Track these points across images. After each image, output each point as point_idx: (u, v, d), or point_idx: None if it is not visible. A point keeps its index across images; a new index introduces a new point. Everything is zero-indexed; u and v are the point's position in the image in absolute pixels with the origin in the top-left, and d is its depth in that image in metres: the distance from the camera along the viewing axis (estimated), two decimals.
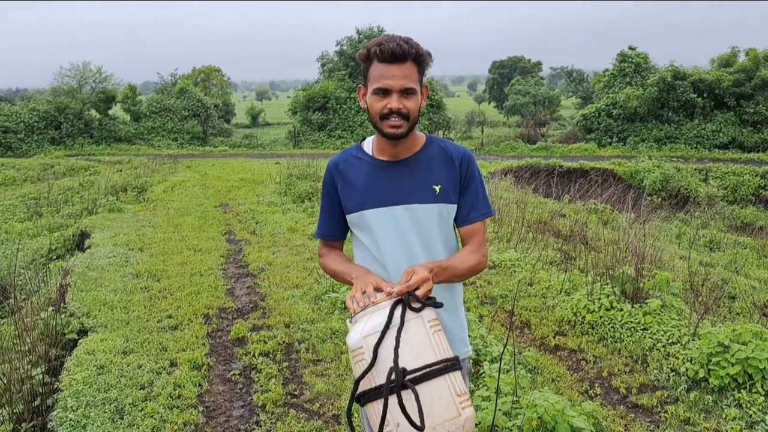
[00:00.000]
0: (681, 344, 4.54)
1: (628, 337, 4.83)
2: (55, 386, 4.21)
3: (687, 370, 4.16)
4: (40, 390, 4.11)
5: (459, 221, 2.06)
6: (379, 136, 1.97)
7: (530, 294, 6.06)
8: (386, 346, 1.66)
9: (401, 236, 1.98)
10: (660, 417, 3.80)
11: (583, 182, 15.89)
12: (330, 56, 33.15)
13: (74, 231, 9.98)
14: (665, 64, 28.03)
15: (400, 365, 1.64)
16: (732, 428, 3.56)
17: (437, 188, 1.99)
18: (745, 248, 11.12)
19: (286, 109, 34.46)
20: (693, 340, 4.54)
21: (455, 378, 1.73)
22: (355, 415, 3.79)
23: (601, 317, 5.12)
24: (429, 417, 1.62)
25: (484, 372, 4.05)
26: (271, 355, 4.80)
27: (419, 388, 1.63)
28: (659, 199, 16.60)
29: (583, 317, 5.20)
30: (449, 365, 1.73)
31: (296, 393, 4.19)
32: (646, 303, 5.08)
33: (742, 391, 3.85)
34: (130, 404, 3.95)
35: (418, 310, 1.75)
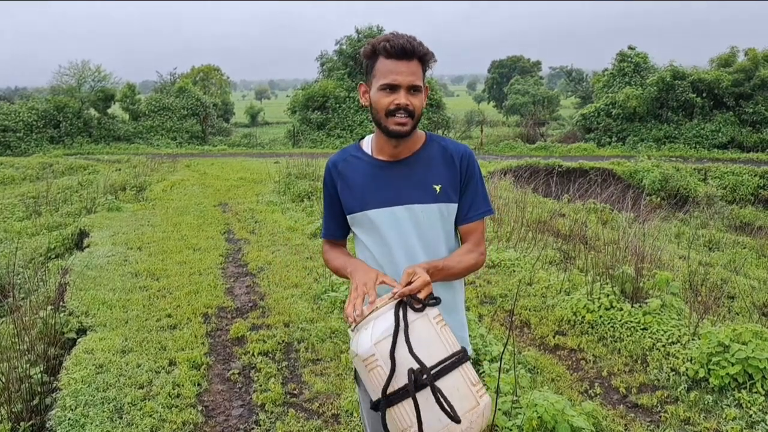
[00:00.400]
0: (681, 344, 4.53)
1: (627, 336, 4.83)
2: (54, 385, 4.20)
3: (687, 369, 4.16)
4: (39, 389, 4.10)
5: (458, 220, 2.05)
6: (381, 134, 1.96)
7: (530, 293, 6.06)
8: (399, 349, 1.66)
9: (402, 236, 1.97)
10: (660, 417, 3.80)
11: (583, 182, 15.89)
12: (329, 55, 33.13)
13: (73, 230, 9.96)
14: (664, 64, 28.04)
15: (416, 366, 1.64)
16: (732, 428, 3.55)
17: (437, 188, 1.98)
18: (744, 248, 11.12)
19: (285, 109, 34.44)
20: (693, 339, 4.54)
21: (468, 369, 1.75)
22: (354, 414, 3.79)
23: (600, 317, 5.11)
24: (455, 406, 1.64)
25: (483, 371, 4.04)
26: (270, 355, 4.79)
27: (438, 384, 1.65)
28: (658, 198, 16.60)
29: (583, 317, 5.20)
30: (461, 357, 1.74)
31: (295, 392, 4.18)
32: (646, 303, 5.07)
33: (742, 390, 3.84)
34: (128, 403, 3.94)
35: (420, 311, 1.75)
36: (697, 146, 24.84)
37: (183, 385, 4.20)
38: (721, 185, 18.27)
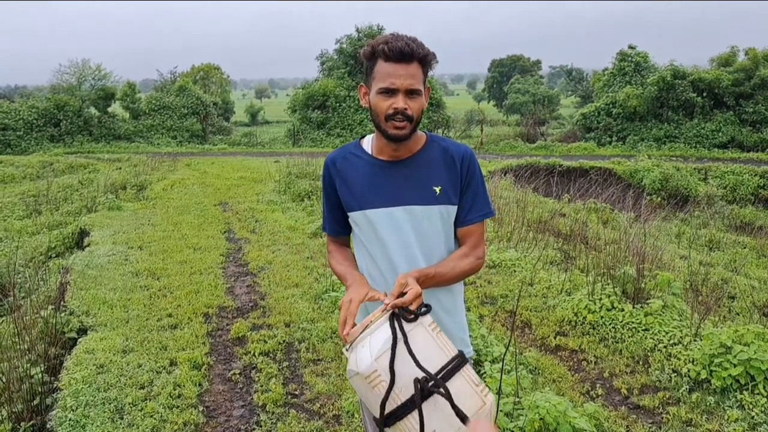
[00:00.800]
0: (683, 345, 4.53)
1: (629, 337, 4.82)
2: (55, 385, 4.19)
3: (689, 371, 4.15)
4: (40, 389, 4.09)
5: (457, 221, 2.03)
6: (381, 136, 1.94)
7: (531, 294, 6.05)
8: (398, 361, 1.65)
9: (401, 238, 1.96)
10: (662, 418, 3.80)
11: (583, 181, 15.89)
12: (329, 54, 33.10)
13: (73, 229, 9.95)
14: (665, 64, 28.02)
15: (420, 376, 1.64)
16: (734, 430, 3.55)
17: (438, 189, 1.96)
18: (745, 248, 11.12)
19: (285, 108, 34.41)
20: (694, 340, 4.53)
21: (469, 370, 1.74)
22: (355, 416, 3.78)
23: (602, 317, 5.11)
24: (463, 409, 1.64)
25: (485, 372, 4.03)
26: (271, 355, 4.78)
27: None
28: (659, 198, 16.59)
29: (584, 317, 5.19)
30: (460, 360, 1.73)
31: (296, 393, 4.18)
32: (648, 303, 5.07)
33: (744, 392, 3.84)
34: (129, 404, 3.93)
35: (413, 321, 1.75)
36: (698, 146, 24.83)
37: (184, 386, 4.19)
38: (721, 185, 18.26)
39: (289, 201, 12.02)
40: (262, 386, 4.26)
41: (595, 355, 4.69)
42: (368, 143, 2.05)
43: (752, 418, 3.65)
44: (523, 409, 3.45)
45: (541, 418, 3.23)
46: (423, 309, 1.78)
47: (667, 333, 4.71)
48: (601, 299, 5.26)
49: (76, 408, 3.84)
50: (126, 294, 6.11)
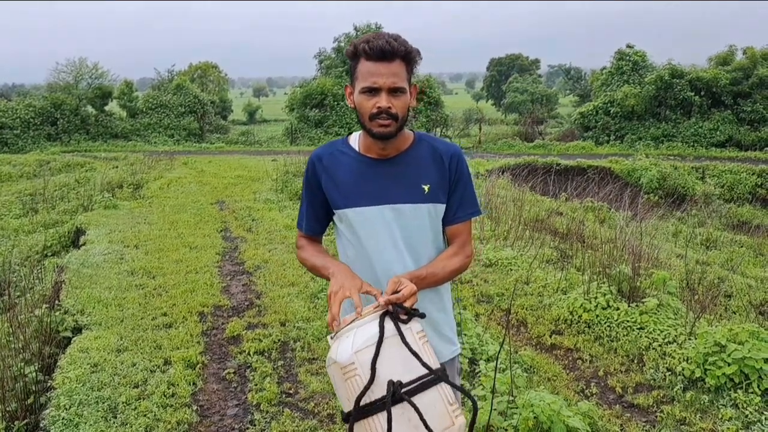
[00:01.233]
0: (677, 344, 4.53)
1: (624, 336, 4.82)
2: (49, 384, 4.18)
3: (683, 369, 4.15)
4: (34, 388, 4.09)
5: (446, 220, 2.03)
6: (367, 135, 1.93)
7: (526, 292, 6.05)
8: (382, 360, 1.65)
9: (389, 236, 1.95)
10: (656, 417, 3.80)
11: (580, 180, 15.90)
12: (327, 53, 33.09)
13: (69, 228, 9.94)
14: (663, 63, 28.07)
15: (395, 379, 1.64)
16: (728, 428, 3.55)
17: (426, 187, 1.95)
18: (742, 247, 11.14)
19: (283, 106, 34.40)
20: (689, 339, 4.53)
21: (446, 388, 1.73)
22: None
23: (597, 316, 5.11)
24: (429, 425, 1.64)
25: (480, 371, 4.03)
26: (266, 354, 4.78)
27: (415, 400, 1.64)
28: (656, 197, 16.61)
29: (580, 316, 5.19)
30: (440, 376, 1.73)
31: (291, 392, 4.17)
32: (643, 302, 5.07)
33: (738, 391, 3.84)
34: (123, 403, 3.92)
35: (405, 322, 1.74)
36: (695, 145, 24.87)
37: (178, 385, 4.18)
38: (718, 184, 18.29)
39: (286, 200, 12.01)
40: (256, 385, 4.25)
41: (590, 354, 4.69)
42: (355, 140, 2.03)
43: (746, 416, 3.65)
44: (517, 407, 3.45)
45: (535, 417, 3.23)
46: (418, 312, 1.78)
47: (661, 332, 4.71)
48: (596, 298, 5.26)
49: (70, 407, 3.83)
50: (121, 293, 6.10)
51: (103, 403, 3.91)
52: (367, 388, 1.62)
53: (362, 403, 1.63)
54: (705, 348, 4.06)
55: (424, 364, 1.72)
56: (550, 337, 5.03)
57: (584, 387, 4.22)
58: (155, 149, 25.33)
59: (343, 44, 31.48)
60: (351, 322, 1.71)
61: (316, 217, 2.10)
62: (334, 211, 2.02)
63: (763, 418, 3.60)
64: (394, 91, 1.84)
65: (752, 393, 3.80)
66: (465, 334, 4.46)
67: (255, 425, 3.75)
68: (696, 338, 4.40)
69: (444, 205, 2.00)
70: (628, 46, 29.26)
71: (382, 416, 1.62)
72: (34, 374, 4.16)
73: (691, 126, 25.54)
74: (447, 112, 31.48)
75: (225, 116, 43.85)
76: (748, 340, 3.99)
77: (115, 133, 30.09)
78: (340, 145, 2.05)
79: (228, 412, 3.94)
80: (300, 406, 3.97)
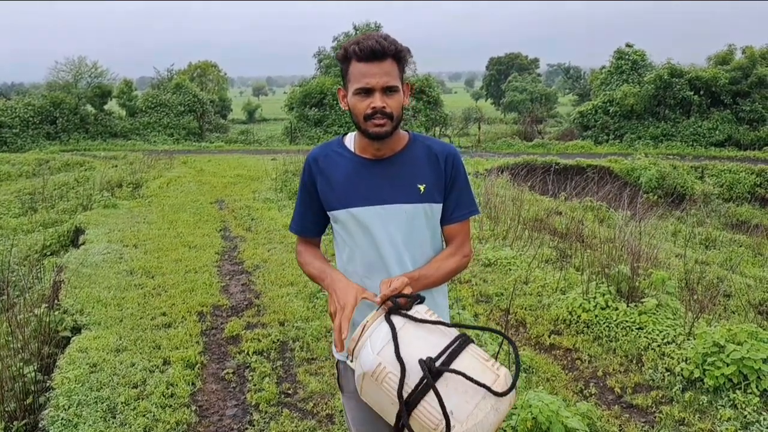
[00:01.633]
0: (676, 344, 4.53)
1: (623, 336, 4.82)
2: (48, 384, 4.18)
3: (682, 370, 4.16)
4: (33, 388, 4.09)
5: (443, 220, 2.03)
6: (363, 136, 1.93)
7: (525, 292, 6.05)
8: (404, 349, 1.64)
9: (386, 236, 1.94)
10: (655, 417, 3.80)
11: (580, 180, 15.88)
12: (327, 52, 33.08)
13: (69, 227, 9.93)
14: (662, 62, 28.07)
15: (425, 357, 1.62)
16: (727, 429, 3.55)
17: (422, 187, 1.96)
18: (741, 246, 11.14)
19: (282, 105, 34.40)
20: (688, 339, 4.53)
21: (475, 348, 1.72)
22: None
23: (596, 316, 5.11)
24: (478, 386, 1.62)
25: None
26: (265, 354, 4.77)
27: (453, 366, 1.63)
28: (655, 196, 16.62)
29: (579, 316, 5.19)
30: (464, 339, 1.71)
31: (290, 392, 4.17)
32: (642, 302, 5.07)
33: (737, 391, 3.84)
34: (122, 403, 3.92)
35: (408, 308, 1.74)
36: (695, 144, 24.89)
37: (177, 385, 4.18)
38: (717, 183, 18.30)
39: (285, 199, 12.01)
40: (255, 385, 4.25)
41: (589, 354, 4.69)
42: (351, 141, 2.03)
43: (745, 417, 3.65)
44: (515, 408, 3.45)
45: (533, 418, 3.23)
46: (417, 296, 1.79)
47: (660, 332, 4.72)
48: (595, 298, 5.26)
49: (69, 407, 3.83)
50: (120, 292, 6.10)
51: (102, 403, 3.91)
52: (402, 377, 1.59)
53: (405, 396, 1.60)
54: (704, 348, 4.06)
55: (449, 326, 1.72)
56: (549, 337, 5.03)
57: (583, 387, 4.22)
58: (155, 148, 25.34)
59: (342, 43, 31.47)
60: (360, 337, 1.71)
61: (312, 219, 2.10)
62: (329, 212, 2.02)
63: (761, 418, 3.61)
64: (388, 90, 1.84)
65: (751, 393, 3.80)
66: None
67: (254, 425, 3.75)
68: (695, 338, 4.40)
69: (440, 205, 2.00)
70: (628, 46, 29.27)
71: (430, 398, 1.59)
72: (33, 374, 4.16)
73: (690, 125, 25.56)
74: (446, 112, 31.49)
75: (224, 115, 43.85)
76: (747, 340, 3.99)
77: (114, 132, 30.09)
78: (335, 146, 2.05)
79: (227, 413, 3.94)
80: (299, 407, 3.97)
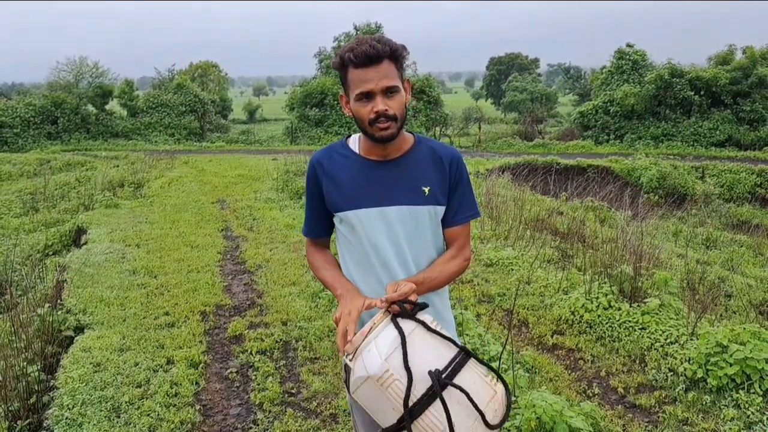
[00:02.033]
0: (679, 344, 4.54)
1: (626, 336, 4.83)
2: (51, 384, 4.19)
3: (685, 370, 4.16)
4: (36, 387, 4.10)
5: (445, 222, 2.05)
6: (369, 139, 1.93)
7: (528, 292, 6.06)
8: (412, 357, 1.65)
9: (391, 237, 1.96)
10: (658, 417, 3.80)
11: (580, 180, 15.89)
12: (327, 52, 33.06)
13: (71, 227, 9.94)
14: (663, 62, 28.07)
15: (432, 368, 1.64)
16: (730, 428, 3.56)
17: (426, 190, 1.97)
18: (741, 246, 11.15)
19: (283, 105, 34.41)
20: (691, 339, 4.54)
21: (475, 363, 1.75)
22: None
23: (599, 316, 5.11)
24: (476, 400, 1.65)
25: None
26: (268, 353, 4.78)
27: (455, 382, 1.65)
28: (656, 196, 16.62)
29: (581, 316, 5.20)
30: (466, 353, 1.74)
31: (293, 391, 4.18)
32: (645, 302, 5.07)
33: (740, 391, 3.85)
34: (126, 402, 3.93)
35: (414, 314, 1.75)
36: (695, 144, 24.89)
37: (181, 384, 4.19)
38: (718, 183, 18.30)
39: (286, 199, 12.02)
40: (258, 385, 4.26)
41: (591, 354, 4.70)
42: (355, 143, 2.04)
43: (748, 417, 3.65)
44: (519, 408, 3.45)
45: (537, 417, 3.23)
46: (422, 303, 1.80)
47: (663, 332, 4.72)
48: (598, 298, 5.27)
49: (73, 406, 3.83)
50: (123, 292, 6.10)
51: (106, 402, 3.92)
52: (409, 387, 1.61)
53: (410, 404, 1.62)
54: (707, 348, 4.07)
55: (456, 344, 1.74)
56: (552, 337, 5.04)
57: (586, 387, 4.22)
58: (156, 148, 25.35)
59: (343, 43, 31.45)
60: (364, 338, 1.71)
61: (320, 222, 2.11)
62: (335, 213, 2.02)
63: (764, 418, 3.61)
64: (388, 92, 1.84)
65: (754, 393, 3.81)
66: (466, 334, 4.47)
67: (258, 425, 3.76)
68: (698, 338, 4.41)
69: (443, 207, 2.01)
70: (628, 46, 29.26)
71: (434, 409, 1.61)
72: (36, 374, 4.17)
73: (691, 125, 25.56)
74: (446, 111, 31.48)
75: (225, 115, 43.87)
76: (750, 340, 3.99)
77: (115, 132, 30.10)
78: (339, 148, 2.05)
79: (231, 412, 3.95)
80: (302, 406, 3.98)
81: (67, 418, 3.71)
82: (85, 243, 8.30)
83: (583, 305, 5.26)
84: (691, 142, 25.02)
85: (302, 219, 7.93)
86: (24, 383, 4.04)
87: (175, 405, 3.93)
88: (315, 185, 2.04)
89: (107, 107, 31.85)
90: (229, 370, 4.49)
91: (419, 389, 1.62)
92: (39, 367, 4.28)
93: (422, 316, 1.78)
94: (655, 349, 4.58)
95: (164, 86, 34.03)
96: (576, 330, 5.12)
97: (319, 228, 2.12)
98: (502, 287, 6.19)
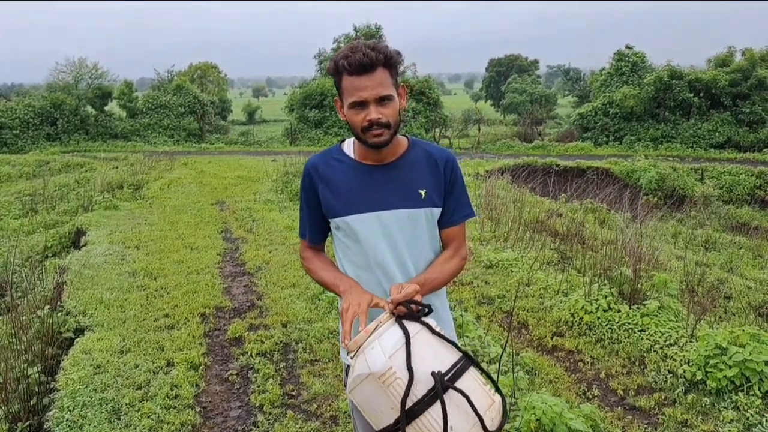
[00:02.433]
0: (678, 346, 4.55)
1: (625, 338, 4.84)
2: (52, 386, 4.19)
3: (684, 372, 4.17)
4: (37, 389, 4.10)
5: (441, 223, 2.06)
6: (363, 145, 1.94)
7: (527, 294, 6.06)
8: (414, 358, 1.65)
9: (388, 241, 1.97)
10: (657, 419, 3.81)
11: (580, 181, 15.90)
12: (327, 53, 33.10)
13: (70, 228, 9.94)
14: (662, 64, 28.09)
15: (435, 371, 1.64)
16: (729, 431, 3.56)
17: (423, 192, 1.98)
18: (741, 248, 11.17)
19: (282, 107, 34.39)
20: (690, 341, 4.55)
21: (475, 371, 1.75)
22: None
23: (598, 318, 5.12)
24: (476, 406, 1.64)
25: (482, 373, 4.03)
26: (268, 355, 4.79)
27: (457, 386, 1.65)
28: (655, 198, 16.64)
29: (581, 318, 5.20)
30: (467, 359, 1.75)
31: (294, 393, 4.18)
32: (644, 304, 5.08)
33: (739, 393, 3.86)
34: (126, 404, 3.93)
35: (420, 316, 1.76)
36: (694, 146, 24.90)
37: (181, 386, 4.20)
38: (717, 185, 18.32)
39: (286, 200, 12.03)
40: (259, 387, 4.26)
41: (591, 356, 4.70)
42: (350, 147, 2.05)
43: (747, 419, 3.66)
44: (519, 410, 3.46)
45: (537, 419, 3.24)
46: (427, 306, 1.81)
47: (663, 334, 4.73)
48: (597, 300, 5.28)
49: (73, 408, 3.84)
50: (123, 294, 6.11)
51: (107, 404, 3.92)
52: (408, 387, 1.61)
53: (408, 405, 1.62)
54: (706, 350, 4.08)
55: (460, 349, 1.75)
56: (552, 339, 5.04)
57: (586, 389, 4.23)
58: (155, 149, 25.32)
59: (343, 45, 31.47)
60: (368, 337, 1.71)
61: (318, 227, 2.11)
62: (331, 219, 2.02)
63: (764, 420, 3.62)
64: (382, 100, 1.84)
65: (753, 395, 3.82)
66: (466, 336, 4.48)
67: (258, 427, 3.76)
68: (697, 340, 4.42)
69: (439, 209, 2.03)
70: (628, 47, 29.29)
71: (433, 411, 1.61)
72: (36, 375, 4.18)
73: (690, 127, 25.57)
74: (446, 113, 31.48)
75: (224, 116, 43.85)
76: (749, 342, 4.00)
77: (114, 134, 30.06)
78: (335, 153, 2.05)
79: (231, 414, 3.95)
80: (303, 408, 3.98)
81: (67, 420, 3.71)
82: (85, 245, 8.30)
83: (582, 307, 5.27)
84: (691, 144, 25.03)
85: None
86: (24, 385, 4.04)
87: (176, 407, 3.94)
88: (311, 190, 2.04)
89: (106, 108, 31.80)
90: (229, 372, 4.50)
91: (420, 390, 1.63)
92: (39, 369, 4.28)
93: (426, 319, 1.79)
94: (654, 351, 4.59)
95: (163, 87, 34.01)
96: (576, 332, 5.13)
97: (316, 233, 2.13)
98: (501, 289, 6.20)
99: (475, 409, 1.62)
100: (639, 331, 4.85)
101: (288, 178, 13.68)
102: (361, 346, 1.71)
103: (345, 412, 3.86)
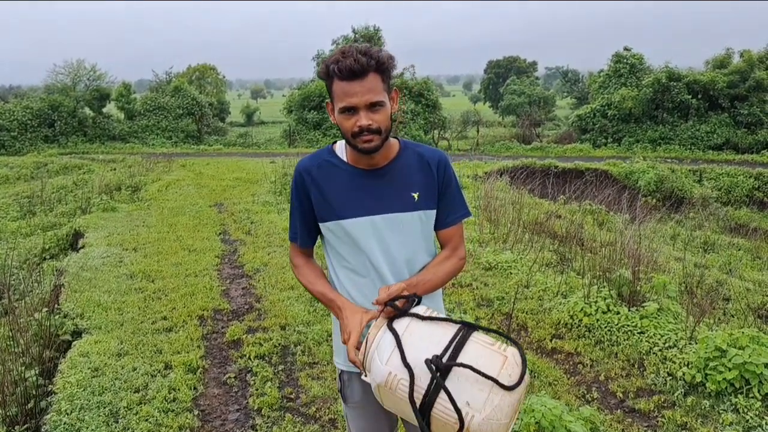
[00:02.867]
0: (678, 348, 4.54)
1: (624, 340, 4.83)
2: (49, 388, 4.18)
3: (684, 374, 4.16)
4: (34, 392, 4.09)
5: (437, 225, 2.06)
6: (353, 149, 1.93)
7: (527, 296, 6.05)
8: (409, 353, 1.66)
9: (382, 246, 1.96)
10: (657, 422, 3.80)
11: (579, 183, 15.89)
12: (326, 55, 33.06)
13: (68, 230, 9.92)
14: (660, 65, 28.13)
15: (430, 356, 1.63)
16: None
17: (416, 195, 1.97)
18: (739, 250, 11.16)
19: (281, 108, 34.39)
20: (690, 343, 4.54)
21: (478, 335, 1.72)
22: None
23: (597, 320, 5.11)
24: (486, 371, 1.61)
25: None
26: (266, 358, 4.77)
27: (460, 359, 1.64)
28: (654, 200, 16.64)
29: (580, 320, 5.19)
30: (466, 329, 1.72)
31: (292, 396, 4.17)
32: (643, 306, 5.08)
33: (739, 395, 3.85)
34: (124, 407, 3.92)
35: (406, 311, 1.77)
36: (693, 147, 24.92)
37: (179, 389, 4.18)
38: (716, 187, 18.33)
39: (284, 202, 12.00)
40: (257, 390, 4.25)
41: (590, 358, 4.69)
42: (342, 149, 2.03)
43: (747, 421, 3.65)
44: (518, 413, 3.45)
45: (537, 422, 3.23)
46: (414, 299, 1.81)
47: (662, 336, 4.72)
48: (596, 302, 5.27)
49: (71, 412, 3.82)
50: (120, 296, 6.09)
51: (105, 407, 3.91)
52: (412, 383, 1.61)
53: (418, 399, 1.62)
54: (706, 353, 4.07)
55: (451, 320, 1.75)
56: (551, 341, 5.03)
57: (585, 392, 4.22)
58: (153, 151, 25.30)
59: (341, 46, 31.48)
60: (367, 353, 1.73)
61: (309, 230, 2.09)
62: (324, 223, 2.01)
63: (763, 422, 3.61)
64: (373, 106, 1.82)
65: (753, 398, 3.81)
66: None
67: (257, 430, 3.75)
68: (696, 343, 4.41)
69: (434, 211, 2.02)
70: (626, 49, 29.32)
71: (443, 397, 1.60)
72: (34, 378, 4.16)
73: (689, 129, 25.59)
74: (444, 114, 31.49)
75: (223, 118, 43.81)
76: (749, 345, 4.00)
77: (112, 135, 30.02)
78: (327, 156, 2.03)
79: (229, 417, 3.94)
80: (301, 411, 3.97)
81: (65, 423, 3.70)
82: (83, 247, 8.29)
83: (581, 309, 5.26)
84: (689, 146, 25.05)
85: None
86: (22, 388, 4.03)
87: (174, 410, 3.92)
88: (303, 194, 2.02)
89: (104, 110, 31.77)
90: (227, 375, 4.48)
91: (423, 381, 1.62)
92: (37, 371, 4.26)
93: (415, 309, 1.80)
94: (653, 353, 4.58)
95: (162, 89, 33.98)
96: (575, 334, 5.12)
97: (307, 236, 2.11)
98: (500, 291, 6.19)
99: (484, 374, 1.59)
100: (638, 333, 4.84)
101: (287, 180, 13.65)
102: (364, 363, 1.73)
103: (344, 415, 3.84)
